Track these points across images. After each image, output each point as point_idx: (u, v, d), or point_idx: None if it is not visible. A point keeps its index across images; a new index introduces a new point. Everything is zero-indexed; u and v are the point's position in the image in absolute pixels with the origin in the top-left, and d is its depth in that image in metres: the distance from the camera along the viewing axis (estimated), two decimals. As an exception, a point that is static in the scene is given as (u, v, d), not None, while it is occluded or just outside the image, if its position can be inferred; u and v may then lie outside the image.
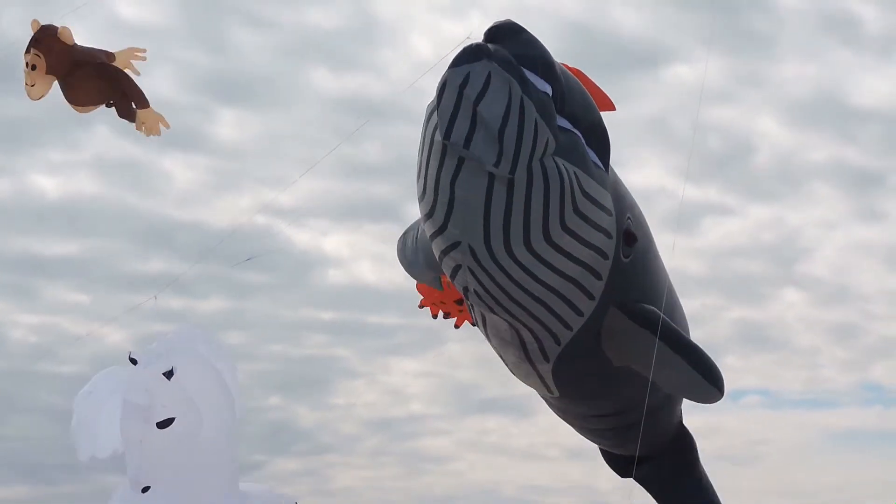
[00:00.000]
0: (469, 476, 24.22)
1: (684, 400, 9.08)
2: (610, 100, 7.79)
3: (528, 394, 10.14)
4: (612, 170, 7.44)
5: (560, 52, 7.10)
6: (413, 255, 9.20)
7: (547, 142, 6.64)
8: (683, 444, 9.58)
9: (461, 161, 6.63)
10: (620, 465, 9.58)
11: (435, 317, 9.96)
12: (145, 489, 7.21)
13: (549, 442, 24.94)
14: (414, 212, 9.82)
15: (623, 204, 7.46)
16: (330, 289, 23.72)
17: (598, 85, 7.66)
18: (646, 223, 8.04)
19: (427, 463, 24.58)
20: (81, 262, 22.64)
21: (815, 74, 25.63)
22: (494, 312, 7.34)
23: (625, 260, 7.39)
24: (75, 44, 8.80)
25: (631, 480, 9.17)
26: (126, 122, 9.05)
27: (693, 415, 10.22)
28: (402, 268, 9.51)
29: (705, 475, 9.68)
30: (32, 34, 8.68)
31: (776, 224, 26.88)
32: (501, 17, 7.12)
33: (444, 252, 7.05)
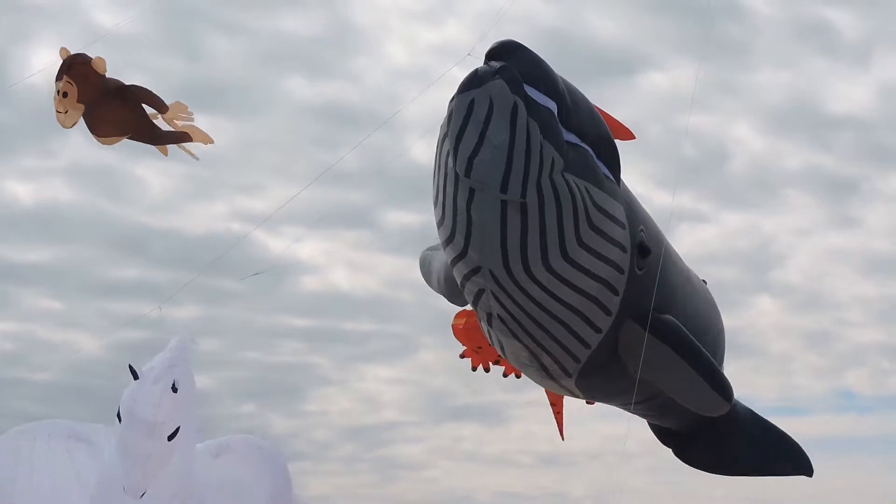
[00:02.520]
0: (443, 483, 24.22)
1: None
2: (628, 129, 7.85)
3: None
4: (623, 182, 7.50)
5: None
6: (431, 276, 9.36)
7: (553, 160, 6.69)
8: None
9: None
10: (665, 436, 9.73)
11: (475, 369, 10.19)
12: (143, 494, 7.31)
13: (522, 449, 25.01)
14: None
15: (635, 216, 7.53)
16: (305, 296, 23.71)
17: (614, 117, 7.77)
18: (660, 232, 8.11)
19: (401, 470, 24.56)
20: (55, 269, 22.58)
21: (790, 82, 25.78)
22: (517, 338, 7.40)
23: (639, 272, 7.45)
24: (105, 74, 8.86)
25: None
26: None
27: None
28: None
29: (752, 426, 9.44)
30: (63, 61, 8.70)
31: (750, 231, 26.98)
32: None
33: (466, 277, 7.14)
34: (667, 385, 8.04)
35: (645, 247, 7.47)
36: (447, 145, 6.73)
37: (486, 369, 10.26)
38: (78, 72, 8.68)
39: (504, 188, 6.57)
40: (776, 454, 9.37)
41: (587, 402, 9.29)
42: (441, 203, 6.96)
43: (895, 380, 26.65)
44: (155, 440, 7.26)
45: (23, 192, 23.11)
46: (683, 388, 8.09)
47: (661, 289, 7.74)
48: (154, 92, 9.08)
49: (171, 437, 7.29)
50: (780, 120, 26.02)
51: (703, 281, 9.62)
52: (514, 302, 7.05)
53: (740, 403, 9.36)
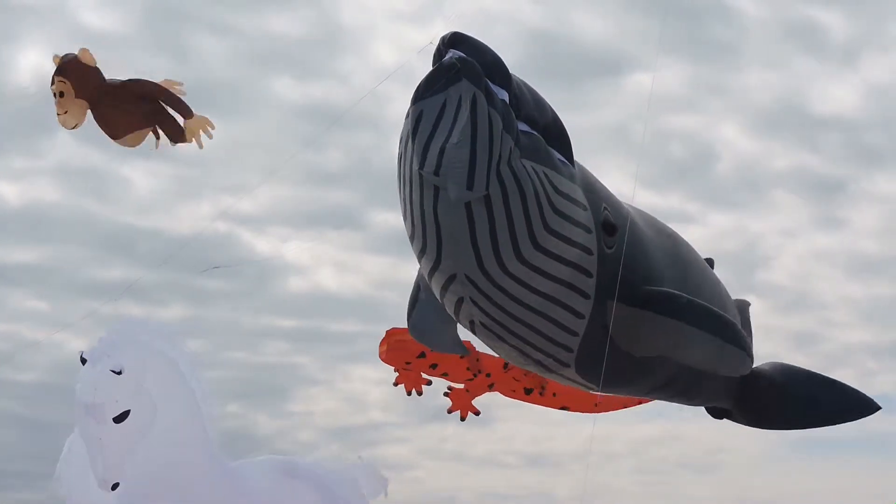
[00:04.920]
0: (428, 484, 24.19)
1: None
2: None
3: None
4: (578, 163, 7.50)
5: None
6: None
7: (510, 149, 6.71)
8: (754, 386, 9.57)
9: (438, 188, 6.70)
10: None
11: (409, 393, 10.36)
12: (115, 486, 7.21)
13: (508, 450, 25.00)
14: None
15: (596, 195, 7.52)
16: (290, 296, 23.70)
17: None
18: (630, 210, 8.06)
19: (386, 471, 24.52)
20: (42, 270, 22.56)
21: (778, 82, 25.81)
22: (504, 340, 7.42)
23: (609, 251, 7.43)
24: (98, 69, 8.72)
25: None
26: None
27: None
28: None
29: (791, 386, 9.67)
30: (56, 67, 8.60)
31: (737, 232, 26.98)
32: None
33: (444, 287, 7.14)
34: (679, 354, 8.01)
35: (610, 224, 7.46)
36: (411, 147, 6.74)
37: (420, 392, 10.38)
38: (68, 69, 8.59)
39: (470, 185, 6.58)
40: (831, 403, 9.46)
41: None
42: (409, 214, 6.97)
43: (881, 380, 26.69)
44: (100, 423, 7.16)
45: (10, 192, 23.13)
46: (694, 351, 8.02)
47: (642, 263, 7.76)
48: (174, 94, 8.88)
49: (118, 420, 7.17)
50: (767, 120, 26.10)
51: (709, 260, 9.65)
52: (494, 304, 7.05)
53: (774, 362, 9.86)
